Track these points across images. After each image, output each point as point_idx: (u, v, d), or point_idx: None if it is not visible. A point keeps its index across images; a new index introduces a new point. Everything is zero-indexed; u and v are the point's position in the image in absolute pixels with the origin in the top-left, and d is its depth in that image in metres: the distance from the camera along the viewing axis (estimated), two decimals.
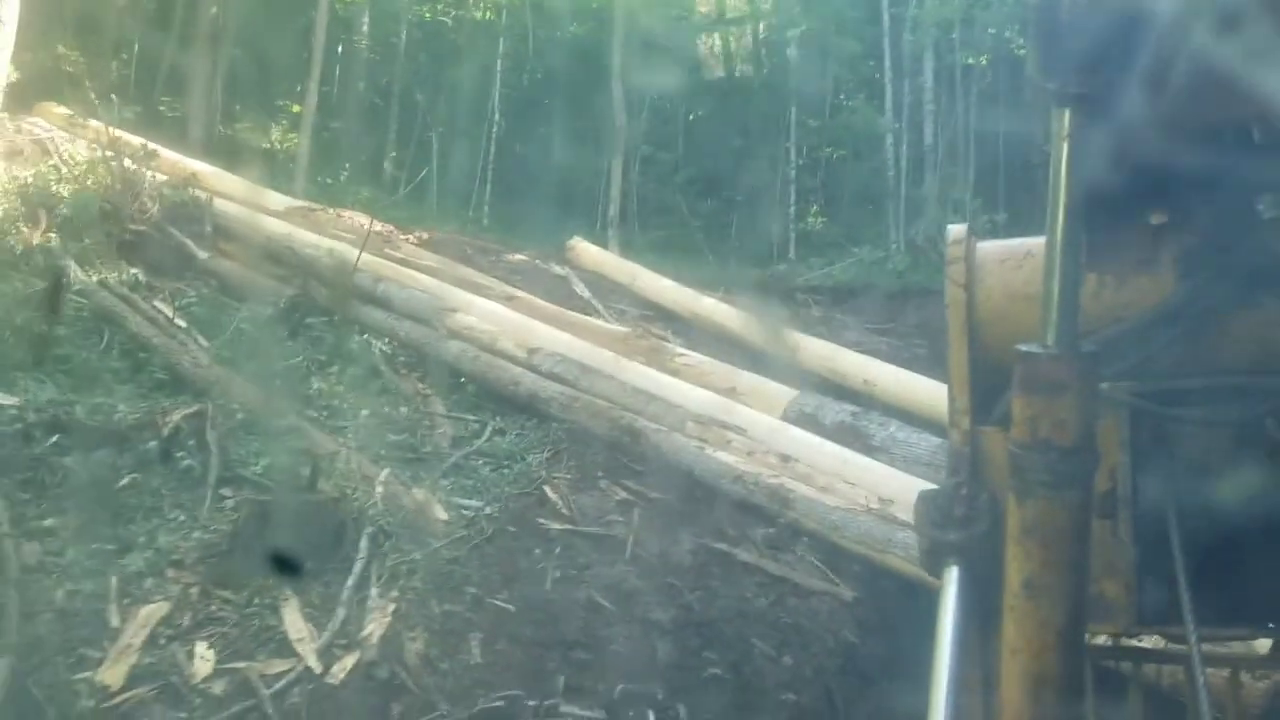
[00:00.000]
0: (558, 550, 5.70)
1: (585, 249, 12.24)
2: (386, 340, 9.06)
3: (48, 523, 5.28)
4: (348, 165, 16.58)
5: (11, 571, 4.82)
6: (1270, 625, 2.24)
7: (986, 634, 2.09)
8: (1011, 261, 2.30)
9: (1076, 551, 1.88)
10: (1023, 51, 15.85)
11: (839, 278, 14.53)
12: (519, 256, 12.71)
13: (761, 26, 19.11)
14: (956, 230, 2.37)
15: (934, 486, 2.22)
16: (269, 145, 16.89)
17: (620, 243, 14.34)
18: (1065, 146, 1.75)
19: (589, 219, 16.07)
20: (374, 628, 4.85)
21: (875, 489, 6.35)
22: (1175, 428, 2.18)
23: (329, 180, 15.67)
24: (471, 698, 4.52)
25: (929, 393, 7.84)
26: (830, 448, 6.96)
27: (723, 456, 6.82)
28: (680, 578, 5.44)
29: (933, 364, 9.44)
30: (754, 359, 9.04)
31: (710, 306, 10.64)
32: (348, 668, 4.60)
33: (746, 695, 4.78)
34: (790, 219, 16.30)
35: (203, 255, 10.14)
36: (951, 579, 2.10)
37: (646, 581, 5.42)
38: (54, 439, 6.08)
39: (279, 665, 4.60)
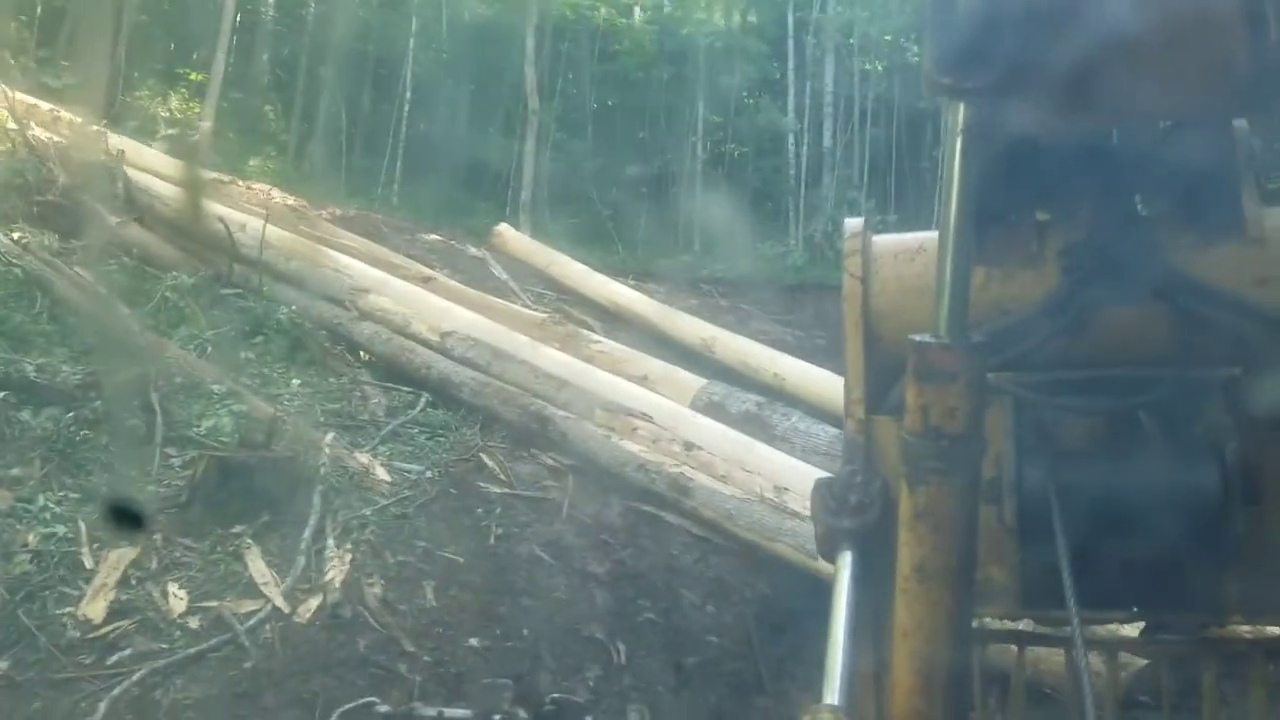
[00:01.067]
0: (498, 511, 6.25)
1: (511, 235, 12.60)
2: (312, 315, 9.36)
3: (14, 472, 5.61)
4: (252, 138, 16.64)
5: None
6: (1145, 608, 2.33)
7: (879, 618, 2.18)
8: (905, 255, 2.40)
9: (965, 537, 1.95)
10: (917, 59, 16.87)
11: (741, 271, 15.19)
12: (434, 236, 13.10)
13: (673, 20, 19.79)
14: (853, 224, 2.45)
15: (829, 475, 2.31)
16: (169, 114, 16.84)
17: (532, 228, 14.80)
18: (959, 141, 1.80)
19: (499, 202, 16.49)
20: (334, 574, 5.34)
21: (773, 477, 6.62)
22: (1056, 417, 2.28)
23: (233, 152, 15.72)
24: (431, 635, 5.06)
25: (834, 386, 8.04)
26: (733, 435, 7.26)
27: (628, 445, 7.02)
28: (613, 536, 6.06)
29: (831, 353, 10.25)
30: (671, 348, 9.61)
31: (631, 296, 11.06)
32: (313, 608, 5.08)
33: (676, 637, 5.43)
34: (695, 212, 17.00)
35: (114, 222, 10.27)
36: (845, 564, 2.19)
37: (582, 539, 6.02)
38: (3, 395, 6.37)
39: (248, 605, 5.06)
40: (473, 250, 12.71)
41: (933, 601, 1.95)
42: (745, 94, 19.43)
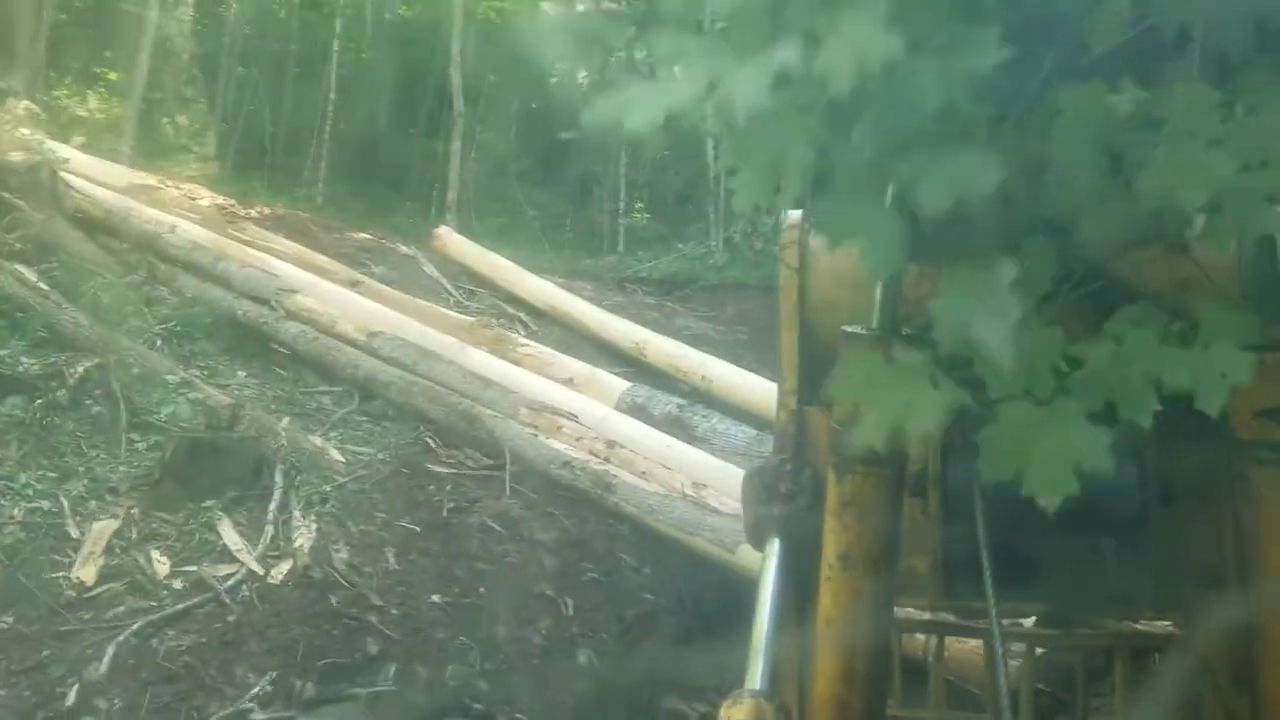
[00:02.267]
0: (448, 487, 6.92)
1: (450, 237, 12.91)
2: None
3: None
4: (176, 137, 16.98)
5: None
6: (1062, 602, 2.43)
7: (803, 605, 2.25)
8: (841, 248, 2.51)
9: (890, 527, 2.01)
10: None
11: (664, 270, 15.90)
12: (364, 235, 13.63)
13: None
14: (792, 217, 2.49)
15: (760, 461, 2.43)
16: (87, 114, 17.08)
17: (459, 228, 15.38)
18: None
19: (425, 202, 17.04)
20: (302, 541, 5.98)
21: (692, 475, 6.97)
22: (979, 410, 2.41)
23: (156, 152, 16.05)
24: (395, 593, 5.73)
25: (760, 389, 8.41)
26: (655, 435, 7.59)
27: (553, 443, 7.33)
28: (557, 508, 6.77)
29: (753, 347, 11.06)
30: (605, 351, 10.20)
31: (566, 300, 11.48)
32: (285, 571, 5.72)
33: (617, 594, 6.17)
34: (619, 213, 17.73)
35: (41, 219, 10.62)
36: (773, 552, 2.26)
37: (529, 512, 6.72)
38: None
39: (225, 569, 5.68)
40: (403, 249, 13.29)
41: (856, 589, 2.03)
42: None
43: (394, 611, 5.56)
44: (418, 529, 6.35)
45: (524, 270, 12.28)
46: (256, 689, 4.78)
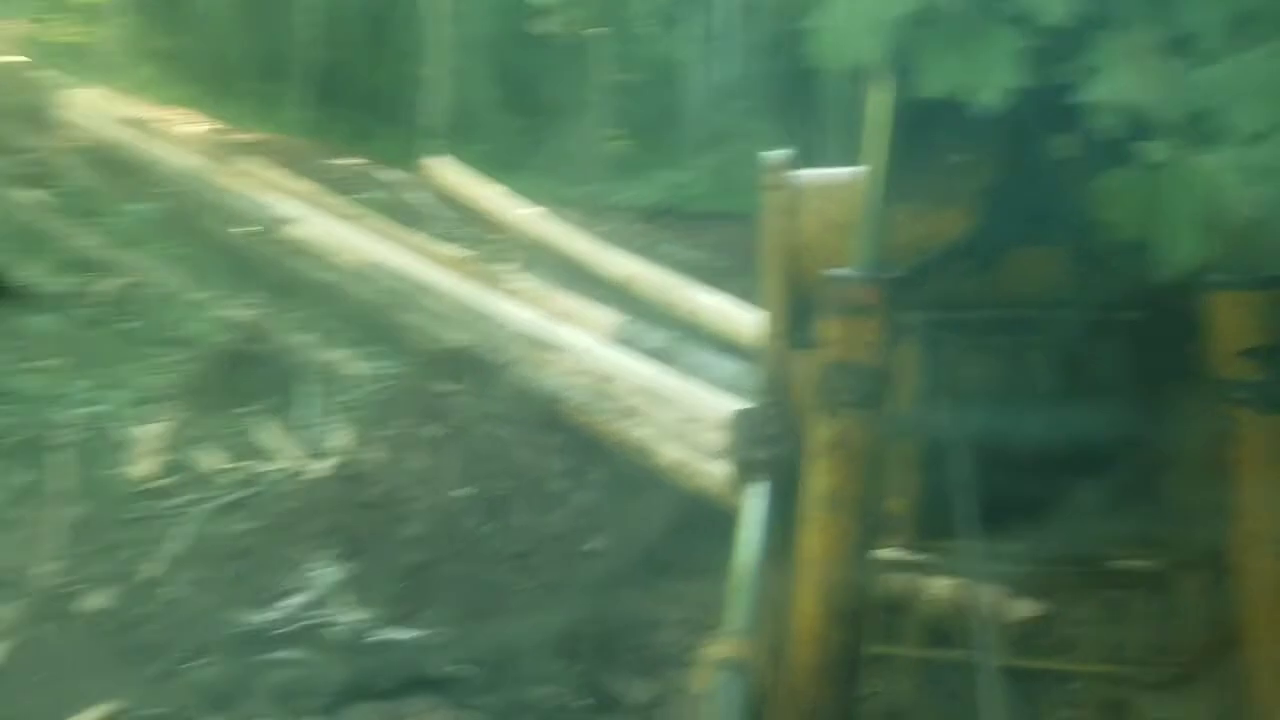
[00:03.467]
0: (461, 400, 7.67)
1: (439, 166, 13.57)
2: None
3: (48, 364, 6.81)
4: (155, 63, 17.33)
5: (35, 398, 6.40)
6: (1040, 541, 2.49)
7: (785, 546, 2.31)
8: (826, 191, 2.48)
9: (873, 468, 2.08)
10: None
11: (647, 199, 16.41)
12: (350, 161, 14.24)
13: None
14: (775, 159, 2.52)
15: (746, 406, 2.50)
16: (61, 38, 17.36)
17: (439, 155, 15.94)
18: (882, 84, 1.88)
19: (403, 127, 17.54)
20: (338, 441, 6.72)
21: (686, 410, 7.22)
22: (963, 356, 2.40)
23: (134, 76, 16.42)
24: (426, 485, 6.50)
25: (746, 321, 8.57)
26: (646, 370, 7.87)
27: (546, 377, 7.62)
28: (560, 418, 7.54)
29: (735, 274, 11.78)
30: (596, 283, 10.67)
31: (556, 232, 12.07)
32: (326, 466, 6.46)
33: (621, 480, 6.95)
34: (603, 141, 18.30)
35: (45, 146, 11.14)
36: (758, 492, 2.34)
37: (537, 422, 7.50)
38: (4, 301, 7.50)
39: (269, 465, 6.42)
40: (388, 174, 13.91)
41: (840, 530, 2.11)
42: (644, 23, 20.61)
43: (428, 501, 6.34)
44: (441, 433, 7.11)
45: (511, 199, 12.81)
46: (316, 565, 5.55)
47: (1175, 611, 2.55)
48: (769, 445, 2.38)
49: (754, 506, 2.33)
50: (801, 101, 19.12)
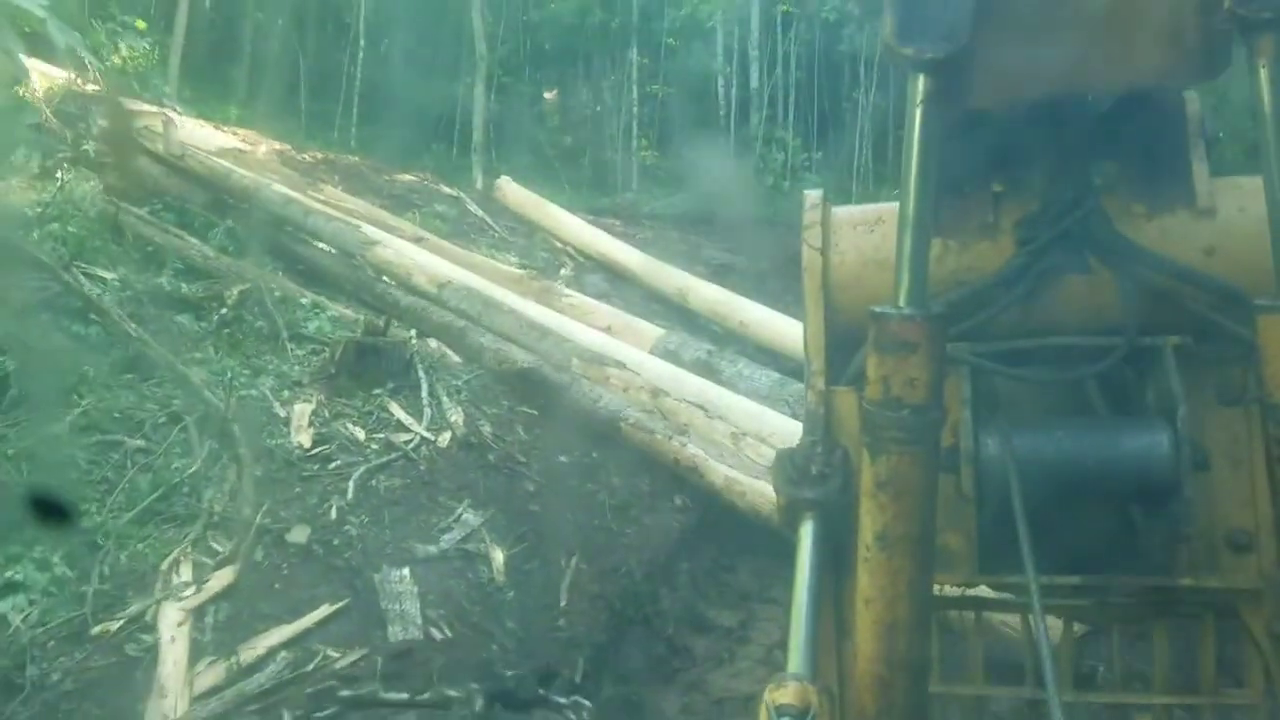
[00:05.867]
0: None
1: (511, 188, 14.81)
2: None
3: (199, 355, 8.29)
4: (213, 87, 18.90)
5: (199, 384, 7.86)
6: (1099, 572, 2.50)
7: (840, 585, 2.36)
8: (864, 226, 2.53)
9: (926, 505, 2.11)
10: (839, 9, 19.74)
11: (680, 207, 17.75)
12: (409, 177, 15.75)
13: None
14: (813, 195, 2.59)
15: (789, 447, 2.48)
16: (120, 63, 18.86)
17: (484, 170, 17.44)
18: (919, 113, 1.93)
19: (448, 144, 19.05)
20: (455, 418, 8.17)
21: (735, 423, 8.13)
22: (1012, 386, 2.43)
23: (203, 102, 17.92)
24: (531, 454, 7.96)
25: (791, 330, 9.15)
26: (696, 382, 8.78)
27: (603, 392, 8.58)
28: None
29: (774, 277, 13.17)
30: (652, 296, 11.91)
31: (614, 247, 13.18)
32: (448, 438, 7.90)
33: None
34: (633, 152, 19.79)
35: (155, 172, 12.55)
36: (808, 533, 2.35)
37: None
38: (148, 306, 8.96)
39: (404, 436, 7.86)
40: (446, 189, 15.40)
41: (894, 569, 2.11)
42: (673, 38, 22.10)
43: (536, 466, 7.79)
44: (536, 413, 8.57)
45: (574, 216, 14.08)
46: (459, 509, 7.01)
47: (1243, 639, 2.54)
48: (815, 484, 2.40)
49: (805, 547, 2.35)
50: (824, 110, 20.42)
